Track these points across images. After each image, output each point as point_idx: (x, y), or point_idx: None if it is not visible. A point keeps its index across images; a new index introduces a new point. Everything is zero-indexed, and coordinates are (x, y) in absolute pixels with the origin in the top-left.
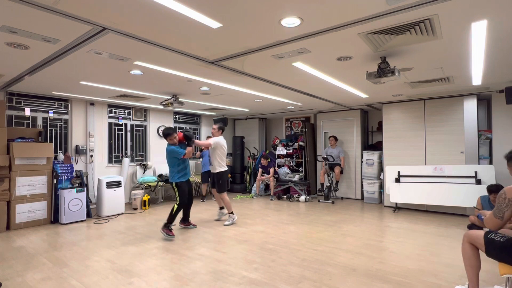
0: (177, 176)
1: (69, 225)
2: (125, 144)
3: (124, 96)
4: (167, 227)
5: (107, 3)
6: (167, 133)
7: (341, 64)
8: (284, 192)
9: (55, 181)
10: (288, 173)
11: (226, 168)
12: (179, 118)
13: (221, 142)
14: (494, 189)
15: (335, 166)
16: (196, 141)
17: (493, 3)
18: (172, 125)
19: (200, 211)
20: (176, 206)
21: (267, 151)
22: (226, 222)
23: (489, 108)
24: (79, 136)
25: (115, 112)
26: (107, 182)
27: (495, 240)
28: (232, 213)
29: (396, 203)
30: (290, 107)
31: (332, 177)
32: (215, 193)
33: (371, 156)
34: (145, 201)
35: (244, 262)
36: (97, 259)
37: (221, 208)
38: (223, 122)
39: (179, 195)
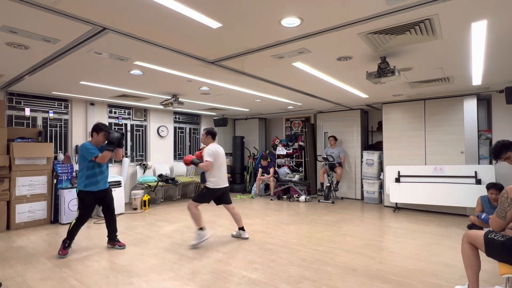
0: (84, 184)
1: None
2: (125, 144)
3: (124, 96)
4: (64, 243)
5: (107, 3)
6: (101, 126)
7: (341, 64)
8: (284, 192)
9: (55, 181)
10: (288, 173)
11: (218, 186)
12: (179, 118)
13: (216, 150)
14: (491, 185)
15: (336, 166)
16: (201, 164)
17: (493, 3)
18: (172, 125)
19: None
20: (74, 220)
21: (267, 151)
22: (194, 241)
23: (489, 108)
24: (79, 136)
25: (115, 112)
26: None
27: (495, 239)
28: (201, 229)
29: (396, 203)
30: (290, 107)
31: (332, 177)
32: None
33: (371, 156)
34: (145, 201)
35: (244, 262)
36: (97, 259)
37: (240, 228)
38: (223, 122)
39: (79, 207)
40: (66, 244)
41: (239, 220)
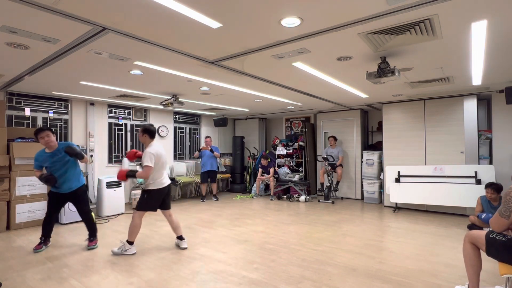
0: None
1: (69, 225)
2: (125, 144)
3: (124, 96)
4: (40, 239)
5: (107, 3)
6: (35, 132)
7: (341, 64)
8: (284, 192)
9: None
10: (288, 173)
11: (159, 186)
12: (179, 118)
13: (157, 152)
14: (489, 185)
15: (337, 166)
16: (138, 173)
17: (493, 3)
18: (172, 125)
19: (200, 211)
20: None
21: (267, 151)
22: (116, 250)
23: (489, 108)
24: (79, 136)
25: (115, 112)
26: (107, 182)
27: (496, 239)
28: (130, 243)
29: (396, 203)
30: (290, 107)
31: (332, 177)
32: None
33: (371, 156)
34: None
35: (244, 262)
36: (97, 259)
37: (179, 237)
38: (223, 122)
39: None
40: (42, 240)
41: (176, 228)
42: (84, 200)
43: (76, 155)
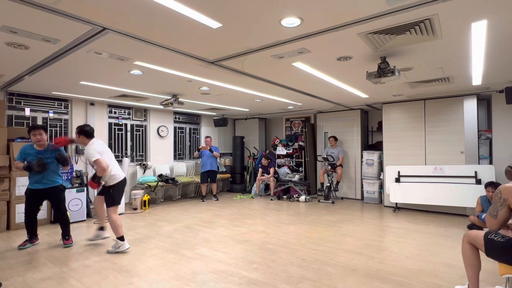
0: (28, 181)
1: None
2: (125, 144)
3: (124, 96)
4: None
5: (107, 3)
6: (28, 129)
7: (341, 64)
8: (284, 192)
9: None
10: (288, 173)
11: (119, 180)
12: (179, 118)
13: (98, 147)
14: (489, 183)
15: (337, 166)
16: (97, 172)
17: (493, 3)
18: (172, 125)
19: (200, 211)
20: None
21: (267, 151)
22: (110, 248)
23: (489, 108)
24: None
25: (115, 112)
26: None
27: (495, 240)
28: (121, 238)
29: (396, 203)
30: (290, 107)
31: (332, 177)
32: (97, 209)
33: (371, 156)
34: (145, 201)
35: (244, 262)
36: (97, 259)
37: (101, 228)
38: (223, 122)
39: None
40: (27, 238)
41: (103, 219)
42: (61, 199)
43: (64, 162)
